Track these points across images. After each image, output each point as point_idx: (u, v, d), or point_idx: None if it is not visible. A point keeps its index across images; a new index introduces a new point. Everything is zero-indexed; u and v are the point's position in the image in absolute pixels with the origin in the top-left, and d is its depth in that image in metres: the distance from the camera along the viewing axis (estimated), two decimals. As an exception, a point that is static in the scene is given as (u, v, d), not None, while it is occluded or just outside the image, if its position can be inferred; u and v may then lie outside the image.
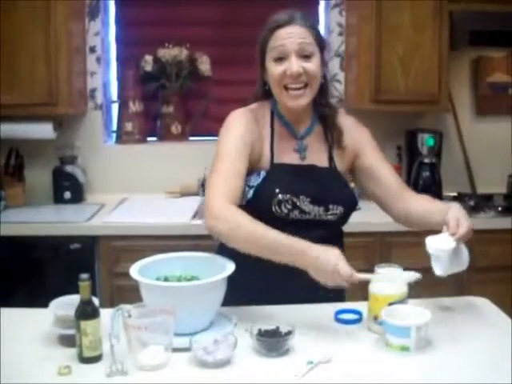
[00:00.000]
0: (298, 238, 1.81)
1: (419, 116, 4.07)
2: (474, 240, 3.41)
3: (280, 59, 1.96)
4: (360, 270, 3.24)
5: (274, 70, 1.98)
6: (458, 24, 3.66)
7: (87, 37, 3.93)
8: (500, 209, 3.62)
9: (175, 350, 1.67)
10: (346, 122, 2.16)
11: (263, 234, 1.82)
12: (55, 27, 3.49)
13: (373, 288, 1.88)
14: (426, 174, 3.81)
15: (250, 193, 2.01)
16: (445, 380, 1.59)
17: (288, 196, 1.98)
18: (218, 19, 4.03)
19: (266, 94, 2.09)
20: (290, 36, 1.95)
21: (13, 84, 3.50)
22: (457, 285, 3.48)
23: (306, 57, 1.96)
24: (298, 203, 2.00)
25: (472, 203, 3.75)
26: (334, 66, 4.08)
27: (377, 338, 1.81)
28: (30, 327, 1.89)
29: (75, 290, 1.70)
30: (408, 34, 3.64)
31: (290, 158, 2.07)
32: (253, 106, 2.12)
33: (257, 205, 1.99)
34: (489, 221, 3.53)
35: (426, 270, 3.35)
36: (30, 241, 3.32)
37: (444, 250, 1.90)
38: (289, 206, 1.99)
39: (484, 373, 1.62)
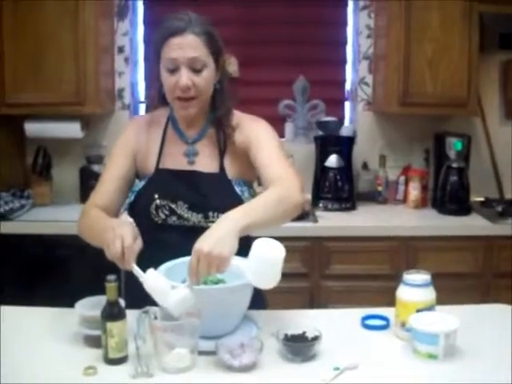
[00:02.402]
0: (113, 220, 1.92)
1: (448, 119, 4.03)
2: (502, 246, 3.43)
3: (172, 70, 1.95)
4: (386, 275, 3.27)
5: (167, 80, 1.97)
6: (488, 26, 3.64)
7: (116, 37, 3.96)
8: (528, 215, 3.57)
9: (201, 353, 1.67)
10: (242, 120, 2.10)
11: (93, 220, 1.95)
12: (84, 27, 3.51)
13: (401, 294, 1.86)
14: (454, 178, 3.75)
15: (132, 197, 2.07)
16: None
17: (165, 201, 2.00)
18: (245, 19, 4.05)
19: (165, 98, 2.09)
20: (182, 48, 1.92)
21: (41, 83, 3.52)
22: (483, 291, 3.45)
23: (197, 70, 1.95)
24: (175, 209, 2.00)
25: (499, 209, 3.70)
26: (363, 68, 4.07)
27: (404, 345, 1.79)
28: (57, 327, 1.90)
29: (101, 290, 1.70)
30: (437, 36, 3.61)
31: (178, 163, 2.07)
32: (156, 111, 2.16)
33: (137, 209, 2.05)
34: (516, 227, 3.49)
35: (454, 275, 3.35)
36: (56, 239, 3.34)
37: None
38: (166, 212, 2.00)
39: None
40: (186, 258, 1.69)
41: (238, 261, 1.67)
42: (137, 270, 1.70)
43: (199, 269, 1.62)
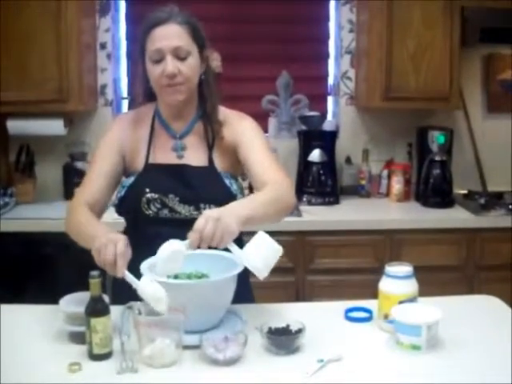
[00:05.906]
0: (103, 226, 1.87)
1: (430, 113, 4.06)
2: (485, 238, 3.46)
3: (158, 61, 1.97)
4: (370, 268, 3.28)
5: (153, 70, 1.99)
6: (470, 20, 3.64)
7: (98, 33, 3.94)
8: (510, 207, 3.60)
9: (185, 347, 1.68)
10: (229, 116, 2.13)
11: (80, 223, 1.93)
12: (66, 24, 3.49)
13: (383, 286, 1.87)
14: (437, 171, 3.79)
15: (122, 192, 2.08)
16: (456, 379, 1.58)
17: (157, 195, 2.02)
18: (228, 16, 4.04)
19: (153, 93, 2.10)
20: (166, 37, 1.96)
21: (24, 80, 3.50)
22: (467, 283, 3.48)
23: (182, 58, 1.97)
24: (167, 202, 2.02)
25: (482, 201, 3.74)
26: (345, 63, 4.08)
27: (387, 337, 1.81)
28: (41, 324, 1.89)
29: (85, 287, 1.70)
30: (419, 31, 3.63)
31: (167, 157, 2.09)
32: (141, 107, 2.18)
33: (128, 203, 2.06)
34: (499, 219, 3.51)
35: (437, 268, 3.38)
36: (40, 237, 3.33)
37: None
38: (158, 205, 2.02)
39: (495, 371, 1.61)
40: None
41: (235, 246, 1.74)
42: (129, 277, 1.69)
43: (205, 229, 1.65)
